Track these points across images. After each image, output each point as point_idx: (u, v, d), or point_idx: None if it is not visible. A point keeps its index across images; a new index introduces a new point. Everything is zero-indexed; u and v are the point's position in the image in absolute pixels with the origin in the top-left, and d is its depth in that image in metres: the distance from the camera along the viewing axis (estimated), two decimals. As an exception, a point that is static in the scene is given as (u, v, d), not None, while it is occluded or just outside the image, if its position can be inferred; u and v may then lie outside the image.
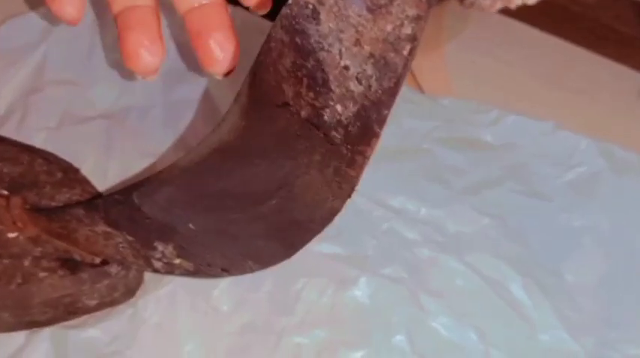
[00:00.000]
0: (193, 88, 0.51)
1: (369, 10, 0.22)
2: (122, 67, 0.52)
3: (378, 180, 0.47)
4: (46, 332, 0.39)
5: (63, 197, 0.41)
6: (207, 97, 0.50)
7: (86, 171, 0.45)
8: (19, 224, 0.39)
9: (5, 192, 0.40)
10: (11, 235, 0.40)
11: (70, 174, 0.43)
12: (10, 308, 0.38)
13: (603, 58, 0.56)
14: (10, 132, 0.47)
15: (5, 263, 0.39)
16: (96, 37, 0.53)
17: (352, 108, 0.23)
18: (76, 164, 0.45)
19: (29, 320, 0.39)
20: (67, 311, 0.40)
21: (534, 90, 0.53)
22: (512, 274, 0.45)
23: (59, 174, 0.43)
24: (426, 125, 0.51)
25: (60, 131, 0.48)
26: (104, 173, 0.46)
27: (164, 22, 0.54)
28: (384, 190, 0.47)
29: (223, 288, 0.42)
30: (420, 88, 0.53)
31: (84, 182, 0.43)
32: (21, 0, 0.54)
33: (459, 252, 0.45)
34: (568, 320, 0.43)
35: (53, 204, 0.41)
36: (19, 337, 0.40)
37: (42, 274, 0.38)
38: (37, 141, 0.47)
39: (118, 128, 0.49)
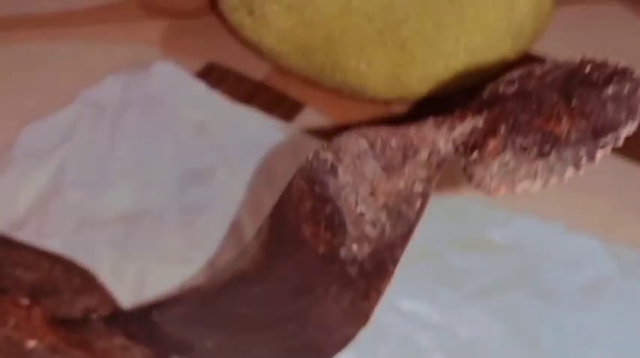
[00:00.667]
0: (207, 191, 0.52)
1: (384, 169, 0.23)
2: (139, 169, 0.54)
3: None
4: None
5: (81, 304, 0.42)
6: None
7: (103, 274, 0.46)
8: (39, 333, 0.40)
9: (26, 302, 0.41)
10: (30, 344, 0.40)
11: (88, 280, 0.44)
12: (29, 420, 0.38)
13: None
14: (29, 235, 0.48)
15: (24, 374, 0.39)
16: (117, 138, 0.54)
17: (367, 248, 0.25)
18: (92, 268, 0.46)
19: None
20: None
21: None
22: (526, 381, 0.44)
23: (78, 281, 0.43)
24: (435, 227, 0.51)
25: (78, 235, 0.49)
26: (120, 278, 0.46)
27: (184, 126, 0.56)
28: (395, 293, 0.47)
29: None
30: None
31: (101, 289, 0.43)
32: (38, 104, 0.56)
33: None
34: None
35: (72, 311, 0.42)
36: None
37: (60, 385, 0.39)
38: (56, 244, 0.48)
39: (133, 231, 0.50)
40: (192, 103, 0.57)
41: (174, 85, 0.58)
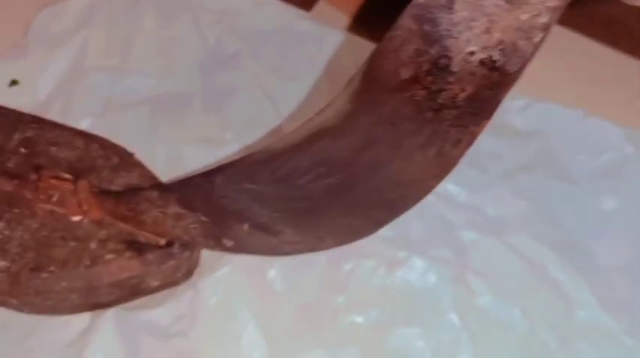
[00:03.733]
0: (231, 76, 0.52)
1: (507, 0, 0.23)
2: (161, 54, 0.53)
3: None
4: (110, 313, 0.40)
5: (121, 181, 0.42)
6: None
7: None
8: (85, 207, 0.40)
9: (68, 176, 0.40)
10: (75, 219, 0.40)
11: (125, 158, 0.43)
12: (79, 289, 0.39)
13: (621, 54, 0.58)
14: (54, 118, 0.48)
15: (72, 246, 0.39)
16: (135, 25, 0.53)
17: (470, 90, 0.25)
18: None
19: (95, 302, 0.40)
20: (131, 292, 0.40)
21: (562, 83, 0.55)
22: (550, 254, 0.46)
23: (115, 159, 0.43)
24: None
25: (105, 117, 0.49)
26: (153, 157, 0.46)
27: (202, 11, 0.55)
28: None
29: (278, 269, 0.43)
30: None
31: (140, 166, 0.43)
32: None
33: (500, 234, 0.47)
34: (602, 297, 0.45)
35: (112, 187, 0.42)
36: (83, 318, 0.40)
37: (109, 256, 0.39)
38: (83, 126, 0.48)
39: (161, 114, 0.49)
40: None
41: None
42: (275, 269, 0.43)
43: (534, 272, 0.46)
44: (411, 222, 0.46)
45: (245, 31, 0.54)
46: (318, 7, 0.59)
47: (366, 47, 0.55)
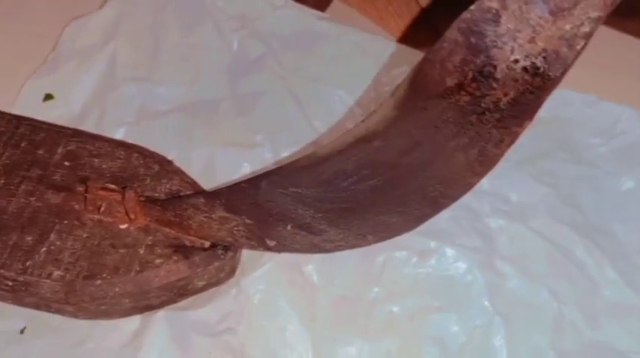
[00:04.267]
0: (257, 79, 0.54)
1: (551, 13, 0.25)
2: (187, 62, 0.55)
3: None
4: (161, 314, 0.42)
5: (163, 188, 0.44)
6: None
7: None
8: (132, 215, 0.42)
9: (114, 187, 0.42)
10: (122, 226, 0.42)
11: (165, 165, 0.45)
12: (131, 294, 0.41)
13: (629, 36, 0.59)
14: (90, 128, 0.49)
15: (122, 252, 0.41)
16: (160, 35, 0.55)
17: (512, 95, 0.27)
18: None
19: (145, 304, 0.42)
20: (179, 293, 0.43)
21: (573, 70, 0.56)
22: (573, 236, 0.48)
23: (156, 167, 0.45)
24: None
25: (139, 125, 0.51)
26: (188, 163, 0.48)
27: (223, 18, 0.56)
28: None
29: (314, 264, 0.45)
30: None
31: (180, 172, 0.45)
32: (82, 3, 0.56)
33: (524, 219, 0.49)
34: (626, 275, 0.47)
35: (155, 195, 0.44)
36: (133, 321, 0.43)
37: (158, 261, 0.41)
38: (118, 135, 0.50)
39: (193, 120, 0.51)
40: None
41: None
42: (312, 265, 0.45)
43: (559, 254, 0.48)
44: (439, 213, 0.48)
45: (266, 34, 0.56)
46: (333, 6, 0.61)
47: (379, 43, 0.58)
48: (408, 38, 0.59)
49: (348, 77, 0.54)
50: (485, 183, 0.50)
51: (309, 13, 0.58)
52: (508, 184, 0.50)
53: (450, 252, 0.46)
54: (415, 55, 0.54)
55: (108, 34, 0.54)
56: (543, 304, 0.46)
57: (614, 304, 0.46)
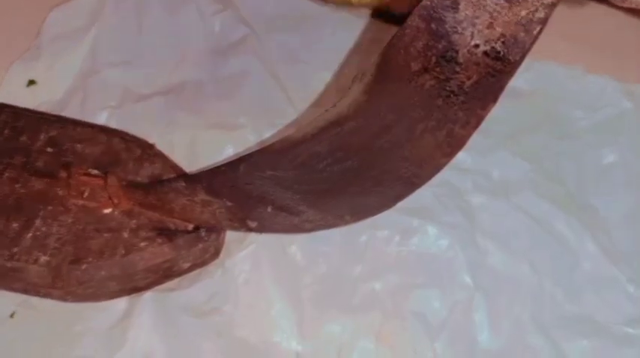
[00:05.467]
0: (240, 62, 0.54)
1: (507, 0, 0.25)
2: (170, 45, 0.55)
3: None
4: (147, 296, 0.43)
5: (146, 171, 0.45)
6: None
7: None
8: (115, 200, 0.42)
9: (97, 172, 0.43)
10: (106, 211, 0.43)
11: (147, 149, 0.46)
12: (117, 277, 0.42)
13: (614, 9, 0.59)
14: (73, 113, 0.50)
15: (106, 236, 0.42)
16: (143, 19, 0.55)
17: (475, 78, 0.27)
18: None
19: (132, 286, 0.43)
20: (165, 275, 0.43)
21: (558, 44, 0.56)
22: (555, 211, 0.49)
23: (138, 151, 0.46)
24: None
25: (122, 109, 0.51)
26: (171, 145, 0.48)
27: (202, 3, 0.56)
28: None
29: (298, 244, 0.46)
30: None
31: (161, 156, 0.46)
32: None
33: (506, 195, 0.49)
34: (606, 249, 0.48)
35: (138, 179, 0.44)
36: (120, 302, 0.43)
37: (142, 244, 0.42)
38: (101, 120, 0.50)
39: (176, 103, 0.51)
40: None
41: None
42: (295, 245, 0.46)
43: (540, 229, 0.48)
44: (421, 191, 0.48)
45: (249, 16, 0.56)
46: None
47: (361, 24, 0.57)
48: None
49: (331, 58, 0.54)
50: (467, 159, 0.51)
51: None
52: (490, 161, 0.51)
53: (432, 230, 0.47)
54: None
55: (90, 19, 0.54)
56: (524, 278, 0.46)
57: (594, 277, 0.47)
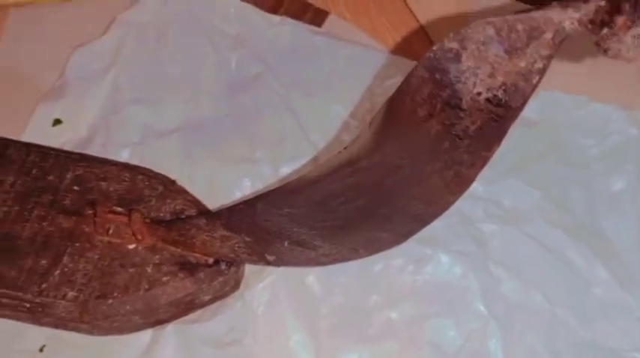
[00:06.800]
0: (256, 96, 0.55)
1: (507, 52, 0.27)
2: (187, 83, 0.57)
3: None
4: (170, 328, 0.45)
5: (168, 207, 0.46)
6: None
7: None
8: (139, 236, 0.44)
9: (121, 209, 0.45)
10: (130, 247, 0.45)
11: (169, 186, 0.48)
12: (141, 311, 0.43)
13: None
14: (97, 151, 0.52)
15: (131, 272, 0.44)
16: (161, 57, 0.57)
17: (479, 123, 0.29)
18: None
19: (155, 320, 0.44)
20: (187, 308, 0.45)
21: (562, 73, 0.58)
22: (565, 239, 0.50)
23: (160, 188, 0.47)
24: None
25: (143, 145, 0.53)
26: (190, 180, 0.50)
27: (221, 37, 0.58)
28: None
29: (315, 276, 0.47)
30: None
31: (183, 192, 0.47)
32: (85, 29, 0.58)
33: (517, 223, 0.50)
34: (617, 274, 0.49)
35: (160, 215, 0.46)
36: (144, 335, 0.45)
37: (165, 278, 0.44)
38: (124, 156, 0.52)
39: (194, 138, 0.53)
40: (227, 16, 0.59)
41: (208, 0, 0.59)
42: (313, 276, 0.47)
43: (552, 257, 0.49)
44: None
45: (263, 51, 0.58)
46: (329, 21, 0.62)
47: (373, 56, 0.59)
48: (402, 49, 0.60)
49: (344, 91, 0.56)
50: (478, 189, 0.53)
51: (305, 28, 0.59)
52: (501, 189, 0.52)
53: (445, 258, 0.48)
54: (408, 65, 0.55)
55: (112, 58, 0.56)
56: (537, 306, 0.47)
57: (605, 303, 0.48)
